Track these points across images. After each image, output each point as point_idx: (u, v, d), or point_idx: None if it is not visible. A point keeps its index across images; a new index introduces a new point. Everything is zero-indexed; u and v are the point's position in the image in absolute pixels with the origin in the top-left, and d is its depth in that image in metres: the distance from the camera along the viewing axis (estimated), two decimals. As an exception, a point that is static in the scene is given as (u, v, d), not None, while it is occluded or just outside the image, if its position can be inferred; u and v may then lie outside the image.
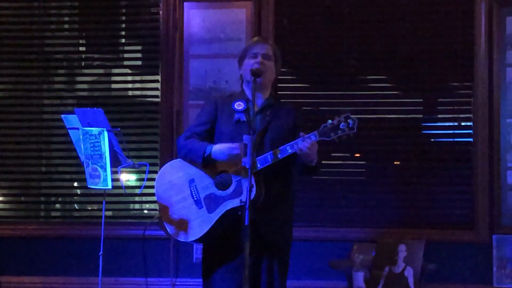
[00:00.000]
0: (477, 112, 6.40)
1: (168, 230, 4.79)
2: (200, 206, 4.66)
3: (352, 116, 4.41)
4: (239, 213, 4.30)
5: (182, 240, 4.86)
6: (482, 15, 6.40)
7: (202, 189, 4.68)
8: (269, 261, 4.67)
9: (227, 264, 4.47)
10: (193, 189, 4.72)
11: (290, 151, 4.42)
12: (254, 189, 4.40)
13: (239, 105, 4.53)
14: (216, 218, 4.57)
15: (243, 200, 4.28)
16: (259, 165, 4.46)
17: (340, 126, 4.39)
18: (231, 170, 4.50)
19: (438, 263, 6.13)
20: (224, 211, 4.49)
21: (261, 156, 4.47)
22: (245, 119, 4.50)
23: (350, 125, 4.39)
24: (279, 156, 4.45)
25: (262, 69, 4.62)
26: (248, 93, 4.67)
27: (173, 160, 4.92)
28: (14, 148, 6.92)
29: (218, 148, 4.56)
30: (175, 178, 4.79)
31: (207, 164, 4.64)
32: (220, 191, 4.55)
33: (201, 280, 5.52)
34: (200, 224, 4.62)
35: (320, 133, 4.39)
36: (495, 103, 6.35)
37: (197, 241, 4.75)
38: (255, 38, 5.09)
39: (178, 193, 4.76)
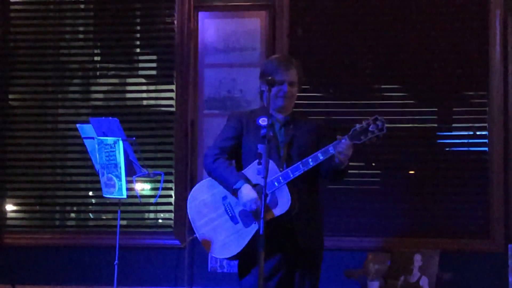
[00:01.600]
0: (492, 121, 6.38)
1: (207, 248, 4.83)
2: (236, 221, 4.69)
3: (380, 117, 4.45)
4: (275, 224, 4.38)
5: (219, 256, 4.93)
6: (496, 23, 6.39)
7: (236, 204, 4.69)
8: (301, 270, 4.70)
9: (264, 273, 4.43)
10: (227, 205, 4.73)
11: (321, 157, 4.47)
12: (289, 200, 4.49)
13: (263, 121, 4.52)
14: (253, 232, 4.60)
15: (277, 212, 4.45)
16: (291, 175, 4.51)
17: (370, 129, 4.44)
18: (247, 205, 4.54)
19: (453, 273, 6.10)
20: (258, 224, 4.47)
21: (292, 166, 4.52)
22: (271, 133, 4.50)
23: (379, 127, 4.44)
24: (310, 163, 4.50)
25: (289, 95, 4.72)
26: (270, 111, 4.71)
27: (203, 180, 4.91)
28: (29, 157, 6.94)
29: (245, 193, 4.59)
30: (207, 196, 4.82)
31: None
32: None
33: None
34: (237, 239, 4.66)
35: (350, 136, 4.44)
36: (510, 112, 6.34)
37: (234, 257, 4.79)
38: (280, 60, 5.02)
39: (212, 211, 4.79)
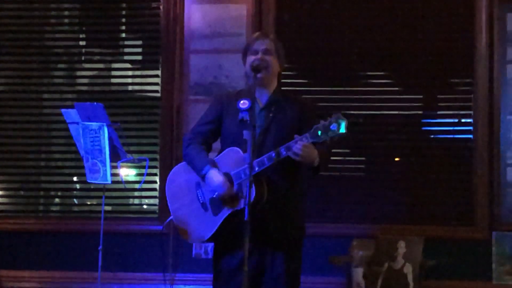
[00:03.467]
0: (477, 108, 6.43)
1: (179, 232, 4.86)
2: (206, 209, 4.68)
3: (342, 117, 4.38)
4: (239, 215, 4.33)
5: (190, 241, 4.94)
6: (482, 11, 6.43)
7: (207, 192, 4.68)
8: (272, 256, 4.67)
9: (234, 260, 4.51)
10: (199, 192, 4.73)
11: (284, 153, 4.43)
12: (253, 190, 4.40)
13: (243, 104, 4.54)
14: (221, 221, 4.59)
15: (242, 204, 4.37)
16: (256, 168, 4.45)
17: (331, 128, 4.37)
18: (232, 172, 4.52)
19: (437, 260, 6.15)
20: (227, 214, 4.52)
21: (259, 159, 4.47)
22: (248, 118, 4.49)
23: (339, 125, 4.37)
24: (275, 158, 4.45)
25: (263, 64, 4.66)
26: (253, 93, 4.67)
27: (182, 163, 4.93)
28: (13, 142, 6.96)
29: (211, 177, 4.60)
30: (182, 180, 4.82)
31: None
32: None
33: (200, 275, 6.19)
34: (206, 226, 4.66)
35: (311, 134, 4.39)
36: (495, 100, 6.38)
37: (205, 242, 4.85)
38: (256, 34, 5.05)
39: (186, 195, 4.79)
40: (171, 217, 5.02)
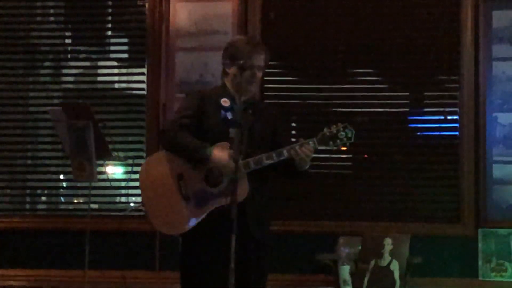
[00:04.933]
0: (463, 106, 6.45)
1: (153, 223, 4.77)
2: (188, 201, 4.63)
3: (350, 126, 4.49)
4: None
5: (165, 233, 4.94)
6: (468, 8, 6.46)
7: (191, 184, 4.65)
8: (253, 255, 4.68)
9: (210, 257, 4.45)
10: (181, 183, 4.67)
11: (286, 154, 4.48)
12: (247, 189, 4.47)
13: (225, 102, 4.55)
14: (205, 214, 4.56)
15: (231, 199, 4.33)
16: (253, 166, 4.50)
17: (339, 136, 4.47)
18: (219, 167, 4.52)
19: (423, 257, 6.17)
20: (213, 207, 4.50)
21: (257, 157, 4.51)
22: (231, 117, 4.52)
23: (349, 136, 4.47)
24: (275, 158, 4.50)
25: (256, 80, 4.72)
26: (232, 92, 4.72)
27: (157, 153, 4.92)
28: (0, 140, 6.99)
29: (218, 155, 4.58)
30: (161, 172, 4.77)
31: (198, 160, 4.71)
32: (211, 188, 4.58)
33: None
34: (186, 218, 4.62)
35: (319, 140, 4.47)
36: (481, 97, 6.41)
37: (181, 235, 4.78)
38: (253, 44, 4.95)
39: (163, 186, 4.75)
40: (135, 205, 5.04)
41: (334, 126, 4.50)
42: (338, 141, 4.48)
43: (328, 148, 4.51)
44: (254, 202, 4.60)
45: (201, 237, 4.62)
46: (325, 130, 4.49)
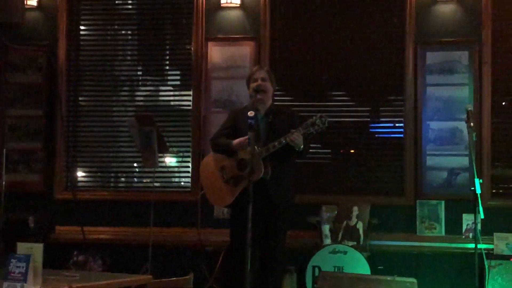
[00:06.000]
0: (406, 117, 6.76)
1: (208, 199, 5.23)
2: (227, 184, 4.97)
3: (324, 115, 4.81)
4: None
5: (217, 205, 5.67)
6: (410, 50, 6.78)
7: (229, 172, 4.98)
8: (274, 218, 4.96)
9: (243, 219, 4.43)
10: (223, 172, 5.00)
11: (284, 141, 4.77)
12: (261, 170, 4.73)
13: (250, 113, 4.61)
14: (239, 191, 4.90)
15: (255, 178, 4.57)
16: (265, 153, 4.80)
17: (316, 122, 4.77)
18: (247, 157, 4.73)
19: (379, 219, 6.61)
20: (244, 185, 4.75)
21: (270, 144, 4.80)
22: (254, 123, 4.59)
23: (323, 122, 4.77)
24: (277, 145, 4.79)
25: (262, 88, 5.07)
26: (255, 106, 5.01)
27: (208, 155, 5.26)
28: (93, 140, 7.34)
29: (237, 142, 4.94)
30: (211, 166, 5.11)
31: (232, 153, 4.99)
32: (240, 172, 4.88)
33: (219, 230, 6.34)
34: (229, 195, 4.97)
35: (303, 127, 4.78)
36: (419, 111, 6.70)
37: (227, 207, 5.16)
38: (255, 67, 5.40)
39: (212, 176, 5.09)
40: (202, 192, 5.42)
41: (314, 117, 4.82)
42: (317, 127, 4.73)
43: (310, 131, 4.75)
44: (273, 177, 4.87)
45: (238, 206, 4.92)
46: (308, 120, 4.81)
